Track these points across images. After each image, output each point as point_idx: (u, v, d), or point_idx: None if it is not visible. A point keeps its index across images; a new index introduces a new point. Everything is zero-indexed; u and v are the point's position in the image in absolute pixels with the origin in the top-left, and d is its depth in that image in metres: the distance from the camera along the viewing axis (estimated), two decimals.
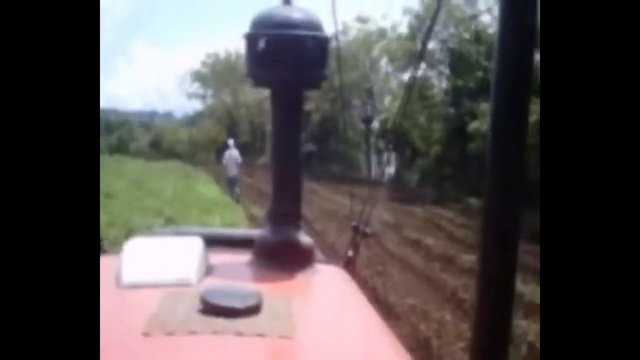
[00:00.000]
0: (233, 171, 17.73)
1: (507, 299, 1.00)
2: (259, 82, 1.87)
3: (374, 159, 26.40)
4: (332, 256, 3.02)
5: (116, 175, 19.78)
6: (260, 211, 14.18)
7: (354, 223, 2.38)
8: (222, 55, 42.92)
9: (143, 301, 1.36)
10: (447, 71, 21.24)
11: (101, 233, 1.69)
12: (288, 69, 1.74)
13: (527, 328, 6.21)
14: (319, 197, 18.33)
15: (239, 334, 1.17)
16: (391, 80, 27.88)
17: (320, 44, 1.76)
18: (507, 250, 0.99)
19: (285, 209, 1.85)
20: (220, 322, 1.20)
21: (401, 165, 22.92)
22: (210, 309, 1.24)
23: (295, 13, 1.74)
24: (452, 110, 20.41)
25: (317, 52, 1.75)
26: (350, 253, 2.29)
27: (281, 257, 1.78)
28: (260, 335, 1.18)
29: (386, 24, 28.05)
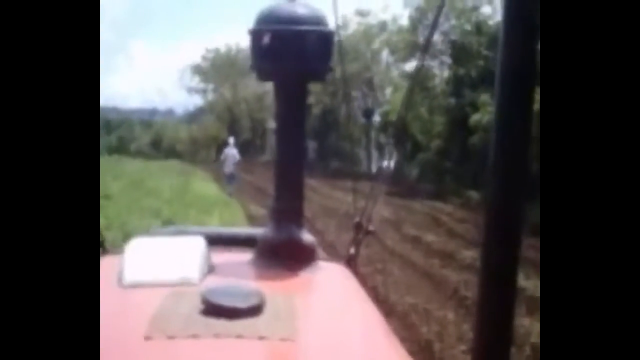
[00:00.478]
0: (230, 168, 18.15)
1: (509, 292, 1.00)
2: (263, 76, 1.88)
3: (374, 154, 26.28)
4: (333, 255, 2.92)
5: (114, 176, 19.67)
6: (259, 210, 14.07)
7: (356, 220, 2.36)
8: (223, 49, 42.78)
9: (145, 301, 1.35)
10: (448, 61, 21.09)
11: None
12: (292, 64, 1.76)
13: (530, 328, 6.09)
14: (319, 195, 18.21)
15: (240, 336, 1.16)
16: (392, 70, 27.72)
17: (325, 39, 1.79)
18: (510, 244, 0.99)
19: (288, 207, 1.84)
20: (222, 324, 1.19)
21: (402, 159, 22.80)
22: (212, 310, 1.22)
23: (300, 9, 1.76)
24: (453, 101, 20.27)
25: (322, 47, 1.77)
26: (352, 250, 2.28)
27: (283, 255, 1.78)
28: (261, 337, 1.17)
29: (387, 16, 27.73)
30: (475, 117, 17.21)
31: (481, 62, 18.76)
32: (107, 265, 1.55)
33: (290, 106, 1.84)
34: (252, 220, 13.48)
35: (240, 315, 1.22)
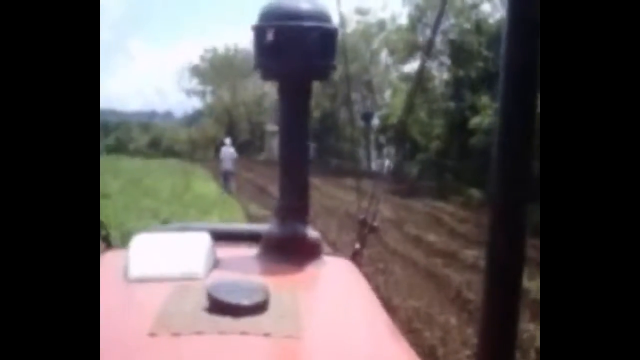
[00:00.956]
0: (228, 165, 18.49)
1: (514, 295, 1.00)
2: (267, 74, 1.87)
3: (374, 153, 26.22)
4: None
5: (112, 175, 19.50)
6: (259, 210, 13.94)
7: (361, 216, 2.36)
8: (221, 50, 42.68)
9: (150, 295, 1.35)
10: (448, 62, 21.01)
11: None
12: (296, 60, 1.74)
13: (535, 332, 5.96)
14: (319, 193, 18.10)
15: (245, 333, 1.15)
16: (391, 72, 27.65)
17: (328, 35, 1.77)
18: (515, 246, 0.99)
19: (293, 203, 1.84)
20: (227, 321, 1.18)
21: (401, 158, 22.75)
22: (217, 306, 1.22)
23: (303, 4, 1.74)
24: (452, 104, 20.20)
25: (325, 43, 1.76)
26: (357, 245, 2.28)
27: (288, 250, 1.78)
28: (266, 334, 1.16)
29: (386, 15, 27.78)
30: (475, 120, 17.15)
31: (481, 64, 18.70)
32: (112, 259, 1.55)
33: (294, 103, 1.83)
34: (252, 219, 13.35)
35: (245, 313, 1.21)
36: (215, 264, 1.62)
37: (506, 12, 0.98)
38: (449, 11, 19.60)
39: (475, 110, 17.69)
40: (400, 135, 7.63)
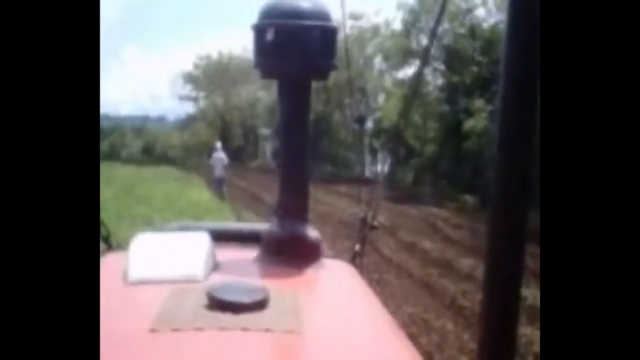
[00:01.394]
0: (219, 171, 18.47)
1: (514, 301, 1.00)
2: (266, 73, 1.84)
3: (368, 158, 26.15)
4: None
5: (105, 182, 19.32)
6: (253, 217, 13.84)
7: (361, 215, 2.37)
8: (214, 56, 42.52)
9: (150, 297, 1.35)
10: (442, 67, 20.96)
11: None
12: (296, 59, 1.72)
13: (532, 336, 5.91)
14: (312, 200, 17.99)
15: (246, 329, 1.16)
16: (385, 78, 27.55)
17: (328, 34, 1.75)
18: (515, 252, 0.98)
19: (292, 203, 1.83)
20: (227, 318, 1.19)
21: (395, 164, 22.70)
22: (217, 305, 1.22)
23: (303, 3, 1.73)
24: (447, 108, 20.15)
25: (325, 42, 1.74)
26: (357, 247, 2.27)
27: (289, 251, 1.77)
28: (267, 330, 1.16)
29: (380, 20, 27.64)
30: (469, 123, 17.11)
31: (475, 69, 18.66)
32: (112, 261, 1.54)
33: (294, 102, 1.81)
34: None
35: (245, 310, 1.21)
36: (215, 266, 1.61)
37: (506, 13, 0.97)
38: (444, 15, 19.56)
39: (469, 113, 17.66)
40: (394, 140, 7.57)
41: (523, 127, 0.95)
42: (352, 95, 18.44)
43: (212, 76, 41.98)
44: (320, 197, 17.97)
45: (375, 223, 2.38)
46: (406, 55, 21.61)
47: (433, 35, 6.17)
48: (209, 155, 21.82)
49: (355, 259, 2.20)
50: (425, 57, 9.23)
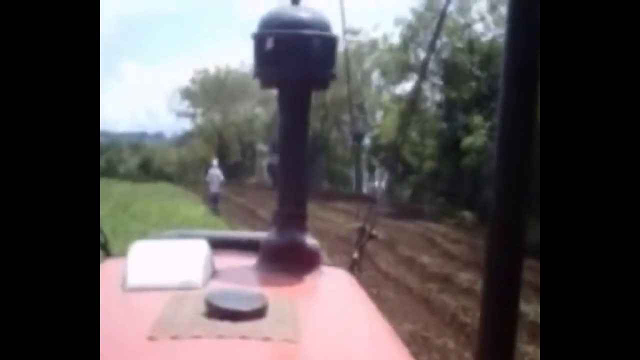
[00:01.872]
0: (215, 188, 18.73)
1: (511, 311, 1.01)
2: (266, 82, 1.85)
3: (365, 174, 26.13)
4: None
5: (102, 199, 19.17)
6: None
7: (360, 224, 2.36)
8: (212, 71, 42.55)
9: (148, 304, 1.34)
10: (440, 83, 20.95)
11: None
12: (296, 68, 1.73)
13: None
14: (310, 216, 17.86)
15: (244, 337, 1.15)
16: (383, 94, 27.54)
17: (328, 44, 1.75)
18: (513, 261, 0.99)
19: (291, 211, 1.83)
20: (226, 326, 1.18)
21: (393, 180, 22.66)
22: (216, 312, 1.21)
23: (303, 12, 1.73)
24: (445, 125, 20.11)
25: (325, 52, 1.75)
26: (355, 255, 2.27)
27: (287, 259, 1.77)
28: (265, 339, 1.16)
29: (377, 34, 27.66)
30: (468, 140, 17.04)
31: (473, 84, 18.64)
32: (110, 268, 1.55)
33: (293, 111, 1.81)
34: None
35: (243, 318, 1.21)
36: (214, 273, 1.60)
37: (506, 13, 0.96)
38: (441, 30, 19.58)
39: (468, 130, 17.59)
40: (392, 156, 7.55)
41: (522, 139, 0.96)
42: (351, 111, 18.48)
43: (209, 91, 41.98)
44: (318, 214, 17.86)
45: (374, 232, 2.36)
46: (404, 69, 21.60)
47: (431, 49, 6.08)
48: (206, 171, 21.78)
49: (353, 267, 2.18)
50: (423, 71, 9.19)
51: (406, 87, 22.88)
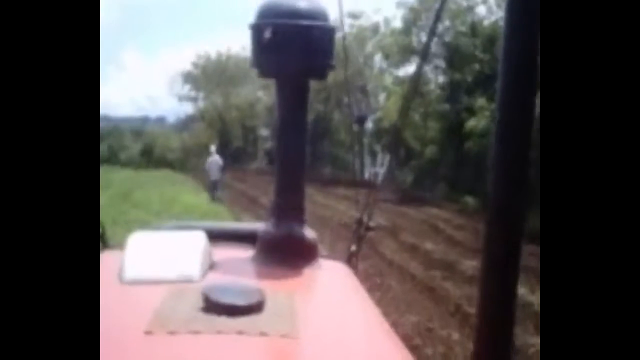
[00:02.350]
0: (215, 175, 18.71)
1: (509, 298, 1.01)
2: (264, 72, 1.84)
3: (368, 159, 26.00)
4: None
5: (102, 187, 19.12)
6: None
7: (357, 215, 2.34)
8: (213, 55, 42.32)
9: (145, 298, 1.35)
10: (443, 65, 20.74)
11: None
12: (294, 59, 1.72)
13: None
14: (312, 203, 17.78)
15: (242, 332, 1.15)
16: (386, 76, 27.31)
17: (327, 34, 1.75)
18: (512, 249, 0.99)
19: (289, 202, 1.82)
20: (223, 321, 1.18)
21: (395, 165, 22.52)
22: (213, 307, 1.21)
23: (301, 2, 1.73)
24: (447, 107, 19.93)
25: (323, 42, 1.74)
26: (353, 247, 2.25)
27: (285, 251, 1.77)
28: (262, 334, 1.16)
29: (379, 18, 27.41)
30: (471, 123, 16.89)
31: (477, 66, 18.47)
32: (107, 260, 1.54)
33: (292, 102, 1.80)
34: None
35: (241, 313, 1.21)
36: (211, 266, 1.60)
37: (505, 13, 0.96)
38: (444, 14, 19.35)
39: (471, 112, 17.44)
40: (393, 140, 7.49)
41: (521, 129, 0.95)
42: (351, 96, 18.33)
43: (211, 75, 41.81)
44: (319, 200, 17.77)
45: (372, 224, 2.35)
46: (407, 53, 21.38)
47: (432, 32, 5.98)
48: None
49: (351, 260, 2.17)
50: (424, 54, 9.07)
51: (409, 69, 22.66)
